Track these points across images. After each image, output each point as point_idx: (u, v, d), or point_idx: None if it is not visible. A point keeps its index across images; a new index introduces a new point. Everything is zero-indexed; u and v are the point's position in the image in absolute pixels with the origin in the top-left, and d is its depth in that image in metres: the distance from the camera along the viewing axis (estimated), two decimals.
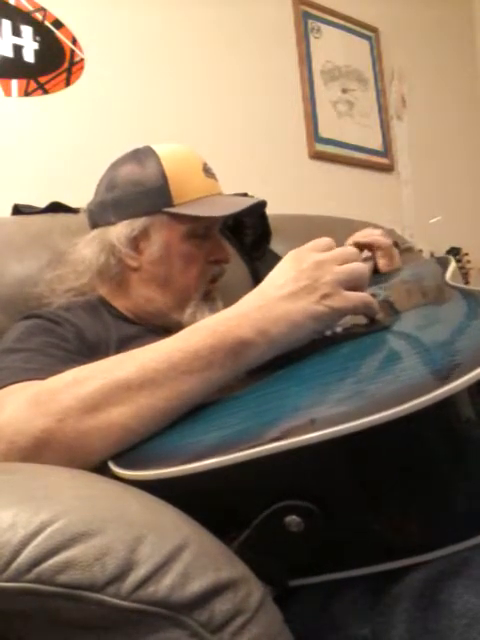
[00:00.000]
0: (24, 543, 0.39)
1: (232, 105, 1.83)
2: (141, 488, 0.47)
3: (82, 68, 1.53)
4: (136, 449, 0.53)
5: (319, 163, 2.04)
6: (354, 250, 0.63)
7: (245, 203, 0.89)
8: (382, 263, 1.01)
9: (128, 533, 0.41)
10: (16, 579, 0.38)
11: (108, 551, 0.39)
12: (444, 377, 0.42)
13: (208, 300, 0.88)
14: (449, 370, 0.44)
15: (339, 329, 0.63)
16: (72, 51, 1.52)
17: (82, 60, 1.53)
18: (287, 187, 1.88)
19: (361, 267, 0.60)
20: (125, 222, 0.87)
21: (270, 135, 1.91)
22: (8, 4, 1.43)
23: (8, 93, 1.41)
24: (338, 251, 0.61)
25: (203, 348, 0.55)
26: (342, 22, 2.16)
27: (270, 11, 1.96)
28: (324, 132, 2.05)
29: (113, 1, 1.61)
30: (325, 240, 0.62)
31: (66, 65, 1.51)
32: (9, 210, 1.19)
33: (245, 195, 1.33)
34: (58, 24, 1.50)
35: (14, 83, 1.42)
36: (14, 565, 0.38)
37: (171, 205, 0.86)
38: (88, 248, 0.90)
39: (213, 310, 0.85)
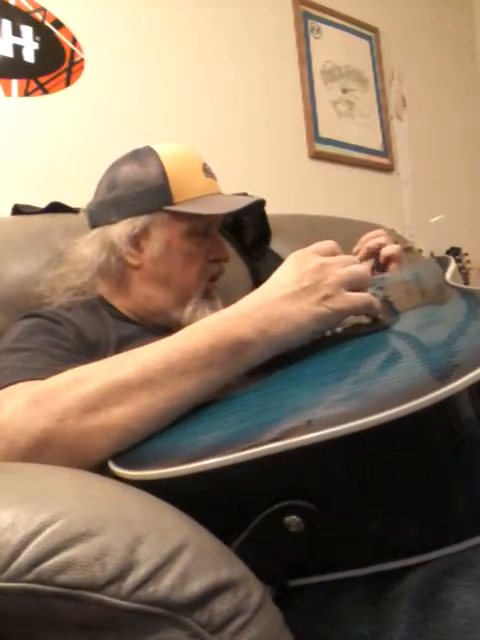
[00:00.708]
0: (24, 543, 0.39)
1: (232, 105, 1.83)
2: (141, 488, 0.47)
3: (82, 68, 1.53)
4: (136, 449, 0.53)
5: (319, 163, 2.04)
6: (355, 258, 0.63)
7: (244, 202, 0.89)
8: (392, 269, 1.01)
9: (128, 533, 0.41)
10: (16, 579, 0.38)
11: (108, 551, 0.39)
12: (444, 377, 0.42)
13: (208, 298, 0.88)
14: (449, 370, 0.44)
15: (339, 329, 0.63)
16: (72, 51, 1.52)
17: (82, 60, 1.53)
18: (287, 187, 1.88)
19: (363, 269, 0.60)
20: (126, 221, 0.88)
21: (270, 135, 1.91)
22: (8, 4, 1.43)
23: (8, 93, 1.41)
24: (341, 256, 0.61)
25: (202, 348, 0.55)
26: (342, 22, 2.16)
27: (270, 11, 1.96)
28: (324, 132, 2.05)
29: (113, 1, 1.61)
30: (328, 243, 0.63)
31: (66, 65, 1.51)
32: (9, 210, 1.19)
33: (245, 195, 1.33)
34: (58, 24, 1.50)
35: (14, 83, 1.42)
36: (14, 565, 0.38)
37: (171, 203, 0.86)
38: (88, 247, 0.91)
39: (213, 308, 0.85)
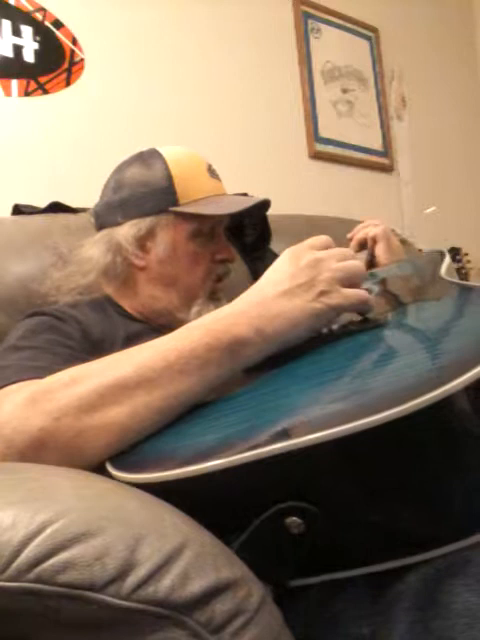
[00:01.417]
0: (24, 543, 0.39)
1: (232, 105, 1.83)
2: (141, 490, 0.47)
3: (82, 68, 1.53)
4: (134, 451, 0.53)
5: (319, 163, 2.04)
6: (350, 251, 0.63)
7: (249, 202, 0.89)
8: (381, 250, 1.03)
9: (128, 533, 0.41)
10: (16, 579, 0.38)
11: (108, 551, 0.39)
12: (442, 376, 0.42)
13: (214, 299, 0.89)
14: (447, 369, 0.44)
15: (335, 327, 0.63)
16: (72, 51, 1.52)
17: (82, 60, 1.53)
18: (287, 187, 1.88)
19: (357, 264, 0.61)
20: (132, 222, 0.88)
21: (270, 135, 1.91)
22: (8, 4, 1.43)
23: (8, 93, 1.41)
24: (335, 250, 0.61)
25: (199, 347, 0.55)
26: (342, 22, 2.16)
27: (270, 11, 1.96)
28: (324, 132, 2.05)
29: (113, 1, 1.61)
30: (322, 238, 0.63)
31: (66, 65, 1.51)
32: (9, 210, 1.19)
33: (245, 195, 1.33)
34: (58, 24, 1.50)
35: (14, 83, 1.42)
36: (14, 565, 0.38)
37: (177, 204, 0.87)
38: (95, 248, 0.91)
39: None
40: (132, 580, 0.39)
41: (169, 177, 0.87)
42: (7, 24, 1.42)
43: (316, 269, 0.58)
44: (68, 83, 1.51)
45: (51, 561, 0.39)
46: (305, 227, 1.45)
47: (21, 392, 0.57)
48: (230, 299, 0.62)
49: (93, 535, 0.40)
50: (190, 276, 0.88)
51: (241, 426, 0.49)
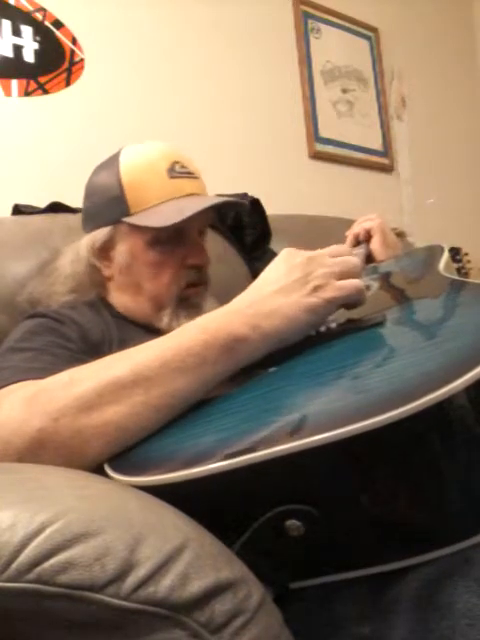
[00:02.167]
0: (24, 543, 0.39)
1: (232, 105, 1.83)
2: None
3: (82, 68, 1.53)
4: (133, 453, 0.53)
5: (319, 163, 2.04)
6: (345, 246, 0.63)
7: (201, 205, 0.82)
8: (377, 244, 1.02)
9: (128, 533, 0.41)
10: (16, 579, 0.38)
11: (108, 551, 0.39)
12: (442, 377, 0.42)
13: (186, 306, 0.85)
14: (447, 369, 0.44)
15: (333, 325, 0.63)
16: (72, 51, 1.52)
17: (82, 60, 1.53)
18: (287, 187, 1.88)
19: (353, 259, 0.61)
20: (94, 232, 0.88)
21: (270, 135, 1.91)
22: (8, 4, 1.43)
23: (8, 93, 1.41)
24: (329, 248, 0.61)
25: (196, 345, 0.55)
26: (342, 22, 2.16)
27: (270, 11, 1.96)
28: (324, 132, 2.05)
29: (113, 1, 1.61)
30: (333, 247, 0.63)
31: (66, 65, 1.51)
32: (9, 210, 1.19)
33: (245, 195, 1.33)
34: (58, 24, 1.50)
35: (14, 83, 1.42)
36: (14, 565, 0.38)
37: (128, 213, 0.84)
38: (66, 257, 0.92)
39: (192, 316, 0.80)
40: (132, 580, 0.39)
41: (120, 186, 0.84)
42: (7, 24, 1.42)
43: (311, 266, 0.58)
44: (68, 83, 1.51)
45: (51, 561, 0.39)
46: (305, 227, 1.45)
47: (20, 393, 0.57)
48: (226, 300, 0.62)
49: (93, 535, 0.40)
50: (154, 284, 0.85)
51: (240, 428, 0.49)
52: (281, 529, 0.44)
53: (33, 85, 1.45)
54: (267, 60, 1.94)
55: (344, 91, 2.14)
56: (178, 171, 0.85)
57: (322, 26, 2.10)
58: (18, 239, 1.04)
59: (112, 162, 0.88)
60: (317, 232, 1.40)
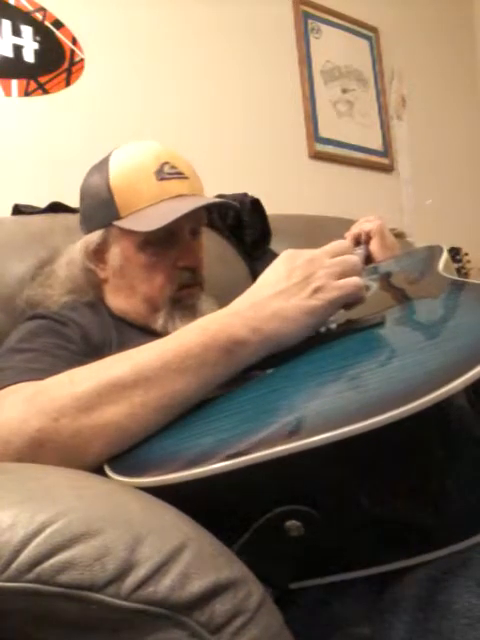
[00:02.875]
0: (24, 543, 0.39)
1: (232, 105, 1.83)
2: None
3: (82, 68, 1.53)
4: (132, 454, 0.53)
5: (319, 163, 2.04)
6: (346, 243, 0.63)
7: (187, 207, 0.81)
8: (375, 246, 1.02)
9: (128, 533, 0.41)
10: (16, 579, 0.38)
11: (108, 551, 0.39)
12: (442, 377, 0.42)
13: (180, 308, 0.85)
14: (447, 369, 0.44)
15: (333, 326, 0.63)
16: (72, 51, 1.52)
17: (82, 60, 1.53)
18: (287, 187, 1.88)
19: (353, 258, 0.60)
20: (88, 235, 0.88)
21: (270, 135, 1.91)
22: (8, 4, 1.43)
23: (8, 93, 1.41)
24: (330, 245, 0.61)
25: (196, 347, 0.55)
26: (342, 22, 2.16)
27: (270, 11, 1.96)
28: (324, 132, 2.05)
29: (113, 1, 1.61)
30: (336, 243, 0.62)
31: (66, 65, 1.51)
32: (9, 210, 1.19)
33: (245, 195, 1.33)
34: (58, 24, 1.50)
35: (14, 83, 1.42)
36: (14, 565, 0.38)
37: (118, 217, 0.84)
38: (62, 259, 0.92)
39: (187, 317, 0.82)
40: (132, 580, 0.39)
41: (108, 189, 0.84)
42: (7, 24, 1.42)
43: (311, 267, 0.58)
44: (68, 83, 1.51)
45: (51, 561, 0.39)
46: (305, 227, 1.45)
47: (20, 393, 0.57)
48: (226, 300, 0.62)
49: (93, 535, 0.40)
50: (147, 286, 0.85)
51: (240, 428, 0.49)
52: (281, 529, 0.44)
53: (33, 85, 1.45)
54: (267, 60, 1.94)
55: (344, 91, 2.14)
56: (167, 172, 0.85)
57: (322, 26, 2.10)
58: (18, 239, 1.04)
59: (103, 165, 0.88)
60: (317, 232, 1.40)
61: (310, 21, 2.07)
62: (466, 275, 2.00)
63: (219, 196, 1.24)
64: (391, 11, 2.32)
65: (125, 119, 1.57)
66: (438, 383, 0.41)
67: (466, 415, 0.43)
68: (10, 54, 1.42)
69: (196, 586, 0.39)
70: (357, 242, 1.07)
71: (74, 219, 1.04)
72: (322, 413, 0.45)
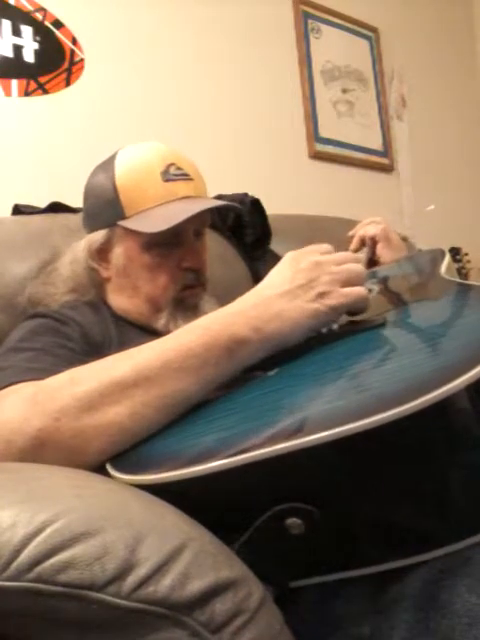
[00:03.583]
0: (24, 543, 0.39)
1: (232, 105, 1.83)
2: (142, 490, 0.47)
3: (82, 68, 1.53)
4: (134, 452, 0.53)
5: (319, 163, 2.04)
6: (351, 254, 0.63)
7: (193, 210, 0.81)
8: (382, 250, 1.03)
9: (128, 533, 0.41)
10: (17, 578, 0.38)
11: (108, 551, 0.39)
12: (442, 376, 0.42)
13: (183, 308, 0.85)
14: (447, 369, 0.44)
15: (335, 327, 0.63)
16: (72, 51, 1.52)
17: (82, 60, 1.53)
18: (287, 187, 1.88)
19: (357, 267, 0.61)
20: (91, 234, 0.88)
21: (270, 135, 1.91)
22: (8, 4, 1.43)
23: (8, 93, 1.41)
24: (336, 254, 0.61)
25: (197, 346, 0.55)
26: (342, 22, 2.16)
27: (270, 11, 1.96)
28: (324, 132, 2.05)
29: (113, 1, 1.61)
30: (325, 246, 0.63)
31: (66, 65, 1.51)
32: (9, 210, 1.19)
33: (246, 195, 1.33)
34: (58, 24, 1.50)
35: (14, 83, 1.42)
36: (14, 564, 0.38)
37: (123, 217, 0.84)
38: (65, 258, 0.92)
39: (190, 318, 0.80)
40: (132, 580, 0.39)
41: (114, 189, 0.84)
42: (7, 24, 1.42)
43: (316, 271, 0.59)
44: (68, 83, 1.51)
45: (51, 561, 0.39)
46: (305, 227, 1.45)
47: (21, 393, 0.57)
48: (226, 300, 0.62)
49: (93, 535, 0.40)
50: (151, 287, 0.85)
51: (242, 427, 0.49)
52: (282, 528, 0.44)
53: (33, 85, 1.45)
54: (267, 60, 1.94)
55: (344, 91, 2.14)
56: (173, 174, 0.85)
57: (322, 26, 2.10)
58: (18, 239, 1.04)
59: (108, 164, 0.87)
60: (317, 232, 1.40)
61: (310, 21, 2.07)
62: (466, 275, 2.00)
63: (219, 196, 1.24)
64: (391, 11, 2.32)
65: (125, 119, 1.57)
66: (438, 382, 0.41)
67: (466, 414, 0.43)
68: (10, 54, 1.42)
69: (196, 586, 0.39)
70: (362, 244, 1.07)
71: (74, 219, 1.04)
72: (323, 412, 0.46)
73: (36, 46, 1.46)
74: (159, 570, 0.39)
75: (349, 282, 0.59)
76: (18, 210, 1.18)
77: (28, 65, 1.44)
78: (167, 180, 0.84)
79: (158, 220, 0.81)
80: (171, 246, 0.85)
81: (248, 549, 0.45)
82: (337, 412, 0.44)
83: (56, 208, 1.16)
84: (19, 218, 1.13)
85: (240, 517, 0.45)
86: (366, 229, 1.07)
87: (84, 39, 1.54)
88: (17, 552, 0.39)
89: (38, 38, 1.47)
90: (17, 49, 1.43)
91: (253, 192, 1.36)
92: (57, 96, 1.49)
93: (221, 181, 1.24)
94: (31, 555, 0.39)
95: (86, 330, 0.79)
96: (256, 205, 1.34)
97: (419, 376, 0.45)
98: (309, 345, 0.59)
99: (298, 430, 0.44)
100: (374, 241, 1.05)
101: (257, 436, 0.45)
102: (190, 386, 0.55)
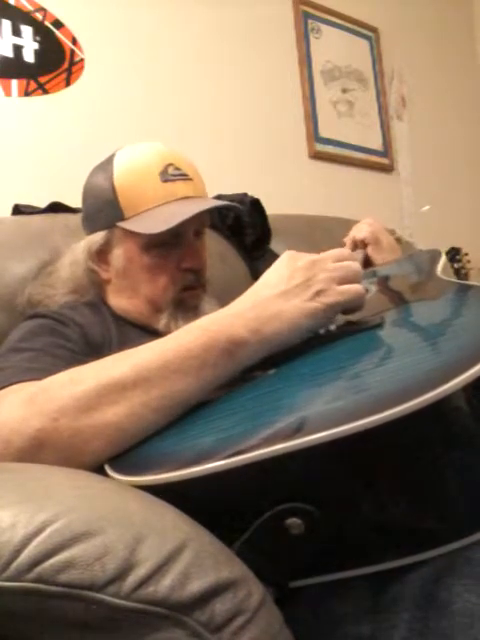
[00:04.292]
0: (24, 543, 0.39)
1: (232, 105, 1.83)
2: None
3: (82, 68, 1.53)
4: (133, 453, 0.53)
5: (319, 163, 2.04)
6: (347, 250, 0.63)
7: (192, 211, 0.81)
8: (372, 252, 1.03)
9: (128, 533, 0.41)
10: (17, 579, 0.38)
11: (108, 551, 0.39)
12: (440, 376, 0.42)
13: (183, 309, 0.85)
14: (444, 369, 0.44)
15: (333, 327, 0.63)
16: (72, 51, 1.52)
17: (82, 60, 1.53)
18: (287, 187, 1.88)
19: (354, 265, 0.61)
20: (91, 235, 0.88)
21: (270, 135, 1.91)
22: (8, 4, 1.43)
23: (8, 93, 1.41)
24: (332, 251, 0.61)
25: (196, 347, 0.55)
26: (342, 22, 2.16)
27: (270, 11, 1.96)
28: (324, 132, 2.05)
29: (113, 1, 1.61)
30: (334, 251, 0.63)
31: (66, 65, 1.51)
32: (9, 210, 1.19)
33: (245, 195, 1.33)
34: (58, 24, 1.50)
35: (14, 83, 1.42)
36: (14, 565, 0.38)
37: (122, 218, 0.84)
38: (65, 259, 0.92)
39: (190, 319, 0.79)
40: (132, 580, 0.39)
41: (113, 190, 0.84)
42: (7, 24, 1.42)
43: (312, 270, 0.59)
44: (68, 83, 1.51)
45: (51, 561, 0.39)
46: (305, 227, 1.45)
47: (20, 393, 0.57)
48: (226, 300, 0.62)
49: (93, 535, 0.40)
50: (150, 287, 0.85)
51: (240, 428, 0.49)
52: (282, 528, 0.44)
53: (33, 85, 1.45)
54: (267, 60, 1.94)
55: (344, 91, 2.14)
56: (171, 174, 0.85)
57: (322, 26, 2.10)
58: (18, 239, 1.04)
59: (106, 165, 0.87)
60: (317, 232, 1.40)
61: (310, 21, 2.07)
62: (466, 275, 2.00)
63: (219, 196, 1.24)
64: (391, 11, 2.32)
65: (125, 119, 1.57)
66: (436, 382, 0.41)
67: (464, 414, 0.43)
68: (10, 54, 1.42)
69: (196, 586, 0.39)
70: (355, 247, 1.07)
71: (74, 219, 1.04)
72: (321, 412, 0.46)
73: (36, 46, 1.46)
74: (159, 570, 0.39)
75: (346, 279, 0.59)
76: (18, 210, 1.18)
77: (28, 65, 1.44)
78: (166, 181, 0.84)
79: (157, 221, 0.81)
80: (171, 247, 0.85)
81: (248, 549, 0.45)
82: (335, 412, 0.44)
83: (56, 208, 1.16)
84: (19, 218, 1.13)
85: (240, 517, 0.45)
86: (356, 232, 1.07)
87: (84, 39, 1.54)
88: (17, 552, 0.39)
89: (38, 38, 1.47)
90: (17, 49, 1.43)
91: (253, 192, 1.36)
92: (57, 96, 1.49)
93: (221, 181, 1.24)
94: (31, 555, 0.39)
95: (86, 330, 0.79)
96: (256, 205, 1.34)
97: (417, 376, 0.45)
98: (308, 346, 0.59)
99: (297, 431, 0.44)
100: (364, 244, 1.05)
101: (256, 437, 0.45)
102: (189, 387, 0.55)
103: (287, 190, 1.85)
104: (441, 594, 0.44)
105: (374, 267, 1.00)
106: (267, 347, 0.57)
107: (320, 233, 1.40)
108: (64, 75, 1.50)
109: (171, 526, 0.43)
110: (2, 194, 1.30)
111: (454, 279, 0.79)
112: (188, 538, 0.42)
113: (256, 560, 0.45)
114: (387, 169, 2.26)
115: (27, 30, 1.45)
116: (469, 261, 2.04)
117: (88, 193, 0.90)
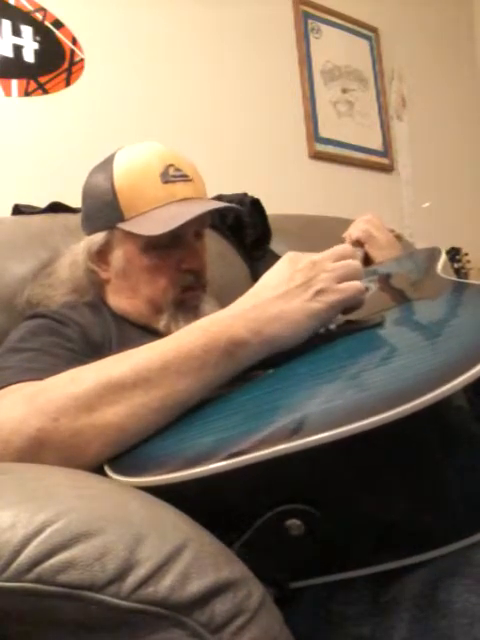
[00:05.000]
0: (24, 543, 0.39)
1: (232, 105, 1.83)
2: None
3: (82, 68, 1.53)
4: (133, 454, 0.53)
5: (319, 163, 2.04)
6: (348, 247, 0.63)
7: (193, 213, 0.81)
8: (369, 249, 1.02)
9: (128, 533, 0.41)
10: (16, 579, 0.38)
11: (108, 551, 0.39)
12: (440, 377, 0.42)
13: (184, 310, 0.84)
14: (445, 370, 0.44)
15: (332, 326, 0.63)
16: (72, 51, 1.52)
17: (82, 60, 1.53)
18: (287, 187, 1.88)
19: (354, 263, 0.61)
20: (91, 236, 0.88)
21: (270, 135, 1.91)
22: (8, 4, 1.43)
23: (8, 93, 1.41)
24: (332, 250, 0.61)
25: (196, 348, 0.55)
26: (342, 22, 2.16)
27: (270, 11, 1.96)
28: (324, 132, 2.05)
29: (113, 1, 1.61)
30: (339, 248, 0.63)
31: (66, 65, 1.51)
32: (9, 210, 1.19)
33: (245, 195, 1.33)
34: (58, 24, 1.50)
35: (14, 83, 1.42)
36: (14, 565, 0.38)
37: (122, 219, 0.84)
38: (64, 260, 0.92)
39: (190, 319, 0.79)
40: (132, 580, 0.39)
41: (113, 191, 0.83)
42: (7, 24, 1.42)
43: (313, 271, 0.59)
44: (68, 83, 1.51)
45: (51, 561, 0.39)
46: (305, 227, 1.45)
47: (20, 393, 0.57)
48: (226, 300, 0.62)
49: (93, 535, 0.40)
50: (150, 288, 0.85)
51: (240, 428, 0.49)
52: (282, 529, 0.44)
53: (33, 85, 1.45)
54: (267, 60, 1.94)
55: (344, 91, 2.14)
56: (172, 175, 0.84)
57: (322, 26, 2.10)
58: (18, 239, 1.04)
59: (106, 165, 0.87)
60: (317, 232, 1.40)
61: (310, 21, 2.07)
62: (466, 275, 2.00)
63: (219, 196, 1.24)
64: (391, 11, 2.32)
65: (125, 119, 1.57)
66: (437, 382, 0.41)
67: (465, 414, 0.43)
68: (10, 54, 1.42)
69: (196, 586, 0.39)
70: (353, 245, 1.06)
71: (74, 219, 1.04)
72: (322, 412, 0.46)
73: (36, 46, 1.46)
74: (159, 570, 0.39)
75: (347, 277, 0.59)
76: (18, 210, 1.18)
77: (28, 65, 1.44)
78: (166, 181, 0.84)
79: (157, 222, 0.81)
80: (170, 248, 0.85)
81: (248, 550, 0.45)
82: (335, 413, 0.44)
83: (56, 208, 1.16)
84: (19, 218, 1.13)
85: (240, 518, 0.45)
86: (351, 232, 1.06)
87: (84, 39, 1.54)
88: (17, 553, 0.39)
89: (38, 38, 1.47)
90: (17, 49, 1.43)
91: (253, 192, 1.36)
92: (57, 96, 1.49)
93: (221, 181, 1.24)
94: (31, 555, 0.39)
95: (86, 330, 0.79)
96: (256, 205, 1.34)
97: (417, 376, 0.45)
98: (308, 345, 0.59)
99: (297, 431, 0.44)
100: (360, 243, 1.04)
101: (256, 437, 0.45)
102: (189, 387, 0.55)
103: (287, 190, 1.85)
104: (441, 594, 0.44)
105: (374, 265, 1.00)
106: (268, 348, 0.57)
107: (320, 233, 1.39)
108: (64, 75, 1.50)
109: (171, 526, 0.43)
110: (2, 194, 1.30)
111: (454, 277, 0.79)
112: (188, 538, 0.42)
113: (256, 561, 0.45)
114: (387, 169, 2.26)
115: (27, 30, 1.45)
116: (469, 261, 2.04)
117: (88, 193, 0.90)
